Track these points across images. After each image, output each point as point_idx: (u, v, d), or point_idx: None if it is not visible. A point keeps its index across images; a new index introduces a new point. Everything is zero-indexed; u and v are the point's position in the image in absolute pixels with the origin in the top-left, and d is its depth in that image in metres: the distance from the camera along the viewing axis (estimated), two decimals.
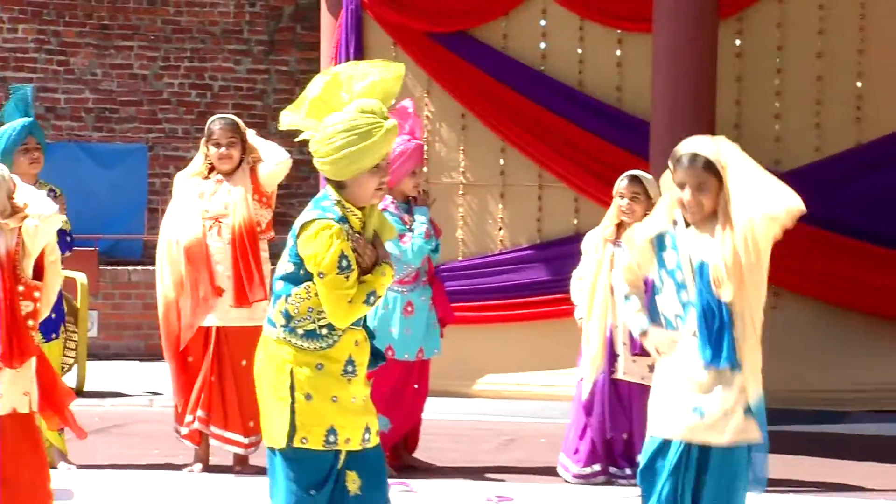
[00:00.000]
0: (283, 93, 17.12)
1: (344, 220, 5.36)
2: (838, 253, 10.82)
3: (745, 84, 11.21)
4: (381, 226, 5.54)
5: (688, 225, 5.44)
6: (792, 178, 10.71)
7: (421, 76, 11.67)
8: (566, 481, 8.43)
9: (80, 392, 11.92)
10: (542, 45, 11.57)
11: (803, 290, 10.95)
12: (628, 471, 8.31)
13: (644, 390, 8.07)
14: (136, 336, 14.85)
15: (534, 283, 11.11)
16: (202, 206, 8.54)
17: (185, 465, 8.61)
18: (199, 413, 8.48)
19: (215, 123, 8.66)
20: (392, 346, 8.34)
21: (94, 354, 13.28)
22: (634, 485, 8.08)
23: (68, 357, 10.65)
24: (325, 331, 5.40)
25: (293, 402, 5.34)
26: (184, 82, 17.14)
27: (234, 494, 7.92)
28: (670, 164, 5.48)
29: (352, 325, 5.42)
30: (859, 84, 11.12)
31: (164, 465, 8.80)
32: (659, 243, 5.51)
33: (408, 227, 8.53)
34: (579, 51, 11.50)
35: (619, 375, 8.38)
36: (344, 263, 5.29)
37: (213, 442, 8.56)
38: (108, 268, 14.82)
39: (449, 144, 11.68)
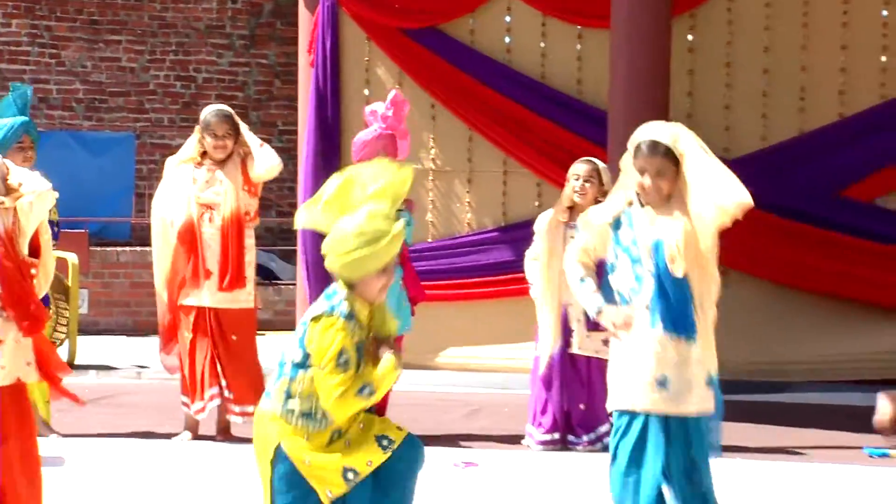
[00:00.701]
0: (262, 84, 17.13)
1: (352, 316, 5.34)
2: (783, 235, 10.87)
3: (696, 77, 11.26)
4: (384, 322, 5.52)
5: (643, 205, 5.46)
6: (740, 164, 10.83)
7: (393, 69, 11.69)
8: (530, 448, 8.45)
9: (71, 365, 11.89)
10: (507, 40, 11.58)
11: (750, 269, 11.00)
12: (585, 438, 8.34)
13: (600, 363, 8.14)
14: (125, 313, 14.83)
15: (498, 262, 11.13)
16: (195, 192, 8.50)
17: (171, 435, 8.60)
18: (213, 390, 8.46)
19: (211, 114, 8.60)
20: None
21: (85, 330, 13.24)
22: (592, 451, 8.17)
23: (60, 332, 10.66)
24: (320, 415, 5.36)
25: (278, 474, 5.35)
26: (169, 74, 17.12)
27: (218, 461, 7.91)
28: (630, 150, 5.46)
29: None
30: (803, 77, 11.17)
31: (152, 434, 8.78)
32: (615, 222, 5.50)
33: None
34: (542, 45, 11.53)
35: (575, 350, 8.36)
36: (342, 360, 5.26)
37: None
38: (98, 249, 14.77)
39: (419, 133, 11.66)
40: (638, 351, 5.42)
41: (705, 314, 5.41)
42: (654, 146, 5.37)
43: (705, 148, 5.42)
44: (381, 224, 5.35)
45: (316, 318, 5.33)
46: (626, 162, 5.50)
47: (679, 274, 5.32)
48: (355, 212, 5.37)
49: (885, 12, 11.09)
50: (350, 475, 5.37)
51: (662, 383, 5.36)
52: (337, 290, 5.41)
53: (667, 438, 5.38)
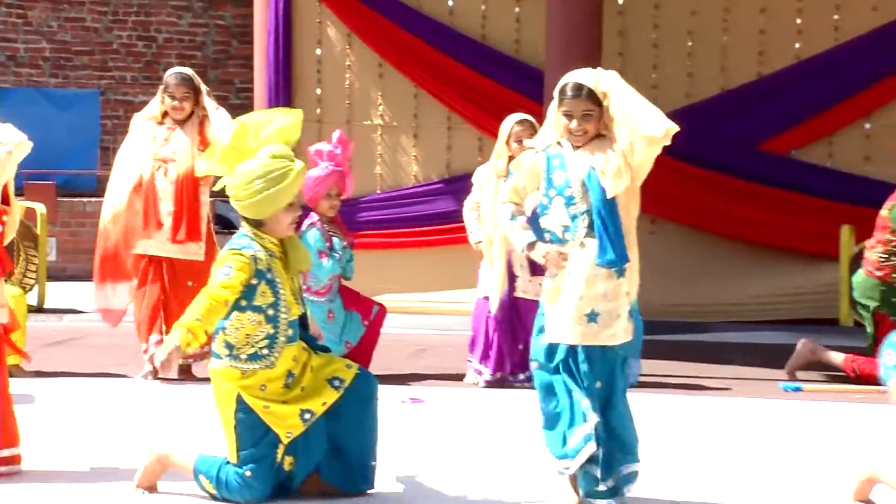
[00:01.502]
0: (220, 44, 17.01)
1: (261, 250, 5.40)
2: (706, 185, 10.95)
3: (626, 38, 11.30)
4: (297, 253, 5.57)
5: (575, 149, 5.45)
6: (680, 117, 10.88)
7: (343, 30, 11.66)
8: (476, 385, 8.48)
9: (40, 309, 11.85)
10: (450, 3, 11.60)
11: (676, 217, 11.08)
12: (522, 376, 8.35)
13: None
14: (91, 260, 14.67)
15: (443, 212, 11.14)
16: (153, 149, 8.47)
17: (135, 374, 8.59)
18: (155, 336, 8.44)
19: (172, 77, 8.53)
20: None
21: (53, 276, 13.18)
22: (529, 388, 8.19)
23: (30, 278, 10.61)
24: (265, 350, 5.41)
25: (240, 421, 5.39)
26: (131, 34, 16.97)
27: (178, 399, 7.91)
28: (556, 96, 5.41)
29: (288, 341, 5.44)
30: (725, 38, 11.22)
31: (117, 373, 8.76)
32: (547, 165, 5.45)
33: (328, 245, 8.48)
34: (482, 8, 11.54)
35: (519, 294, 8.37)
36: (226, 271, 5.33)
37: None
38: (65, 199, 14.67)
39: (368, 91, 11.67)
40: (568, 287, 5.38)
41: (633, 245, 5.40)
42: (579, 89, 5.32)
43: (626, 84, 5.37)
44: (284, 163, 5.39)
45: (220, 260, 5.42)
46: (552, 108, 5.47)
47: (612, 191, 5.27)
48: (254, 156, 5.39)
49: None
50: (307, 416, 5.44)
51: (591, 317, 5.35)
52: (243, 233, 5.46)
53: (591, 368, 5.36)
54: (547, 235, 5.47)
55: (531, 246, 5.48)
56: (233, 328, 5.41)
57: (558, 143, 5.43)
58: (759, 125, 11.03)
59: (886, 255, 8.50)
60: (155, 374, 8.52)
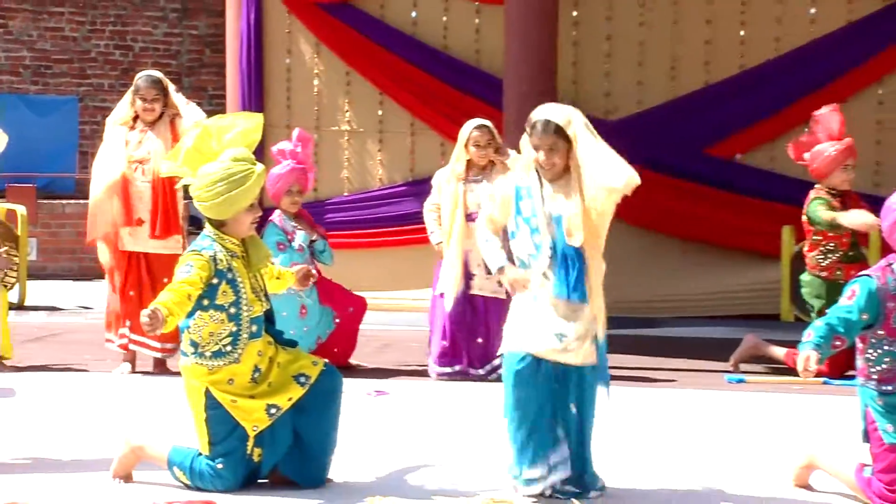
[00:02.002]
0: (194, 53, 16.96)
1: (220, 252, 5.40)
2: (656, 188, 10.92)
3: (580, 48, 11.31)
4: (258, 252, 5.57)
5: (542, 181, 5.48)
6: (619, 125, 10.99)
7: (311, 39, 11.65)
8: (433, 378, 8.52)
9: (21, 306, 11.82)
10: (413, 14, 11.57)
11: (628, 218, 10.97)
12: (482, 371, 8.40)
13: (496, 302, 8.23)
14: (70, 259, 14.71)
15: (407, 214, 11.13)
16: (128, 152, 8.47)
17: (112, 368, 8.59)
18: (126, 327, 8.47)
19: (142, 79, 8.55)
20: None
21: (34, 275, 13.15)
22: (487, 381, 8.24)
23: (11, 277, 10.55)
24: (229, 347, 5.42)
25: (210, 417, 5.41)
26: (109, 43, 16.90)
27: (153, 391, 7.91)
28: (527, 129, 5.46)
29: (252, 337, 5.45)
30: (673, 49, 11.25)
31: (95, 368, 8.75)
32: (517, 195, 5.51)
33: (289, 238, 8.52)
34: (444, 19, 11.54)
35: (475, 291, 8.39)
36: (187, 268, 5.33)
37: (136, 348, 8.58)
38: (45, 201, 14.61)
39: (335, 98, 11.67)
40: (537, 308, 5.44)
41: (596, 281, 5.45)
42: (547, 124, 5.40)
43: (593, 131, 5.42)
44: (245, 166, 5.39)
45: (181, 261, 5.42)
46: (525, 140, 5.53)
47: (577, 244, 5.35)
48: (217, 159, 5.40)
49: None
50: (273, 410, 5.45)
51: (558, 336, 5.40)
52: (206, 234, 5.46)
53: (558, 383, 5.42)
54: (516, 260, 5.55)
55: (500, 270, 5.57)
56: (196, 327, 5.41)
57: (532, 172, 5.49)
58: (706, 131, 11.07)
59: (823, 255, 8.58)
60: (132, 367, 8.54)
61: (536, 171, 5.48)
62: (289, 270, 5.95)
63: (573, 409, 5.46)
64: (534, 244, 5.46)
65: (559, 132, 5.39)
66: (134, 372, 8.54)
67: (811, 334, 5.27)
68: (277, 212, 8.62)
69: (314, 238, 8.64)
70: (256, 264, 5.56)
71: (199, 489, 5.44)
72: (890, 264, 5.39)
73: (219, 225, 5.48)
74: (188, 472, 5.47)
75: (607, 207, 5.36)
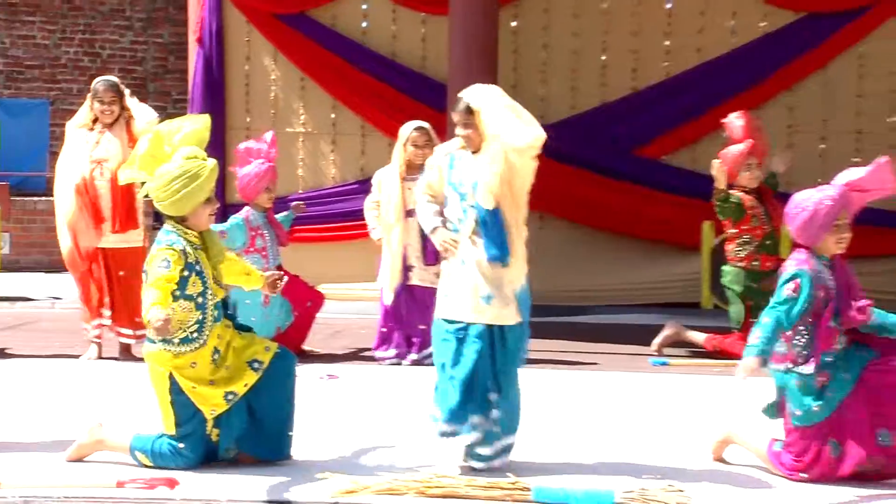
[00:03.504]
0: (158, 60, 16.85)
1: (183, 244, 5.38)
2: (588, 185, 11.03)
3: (519, 56, 11.35)
4: (216, 245, 5.57)
5: (471, 152, 5.51)
6: (554, 128, 10.76)
7: (269, 48, 11.61)
8: (381, 363, 8.53)
9: None
10: (364, 24, 11.55)
11: (562, 214, 11.15)
12: (416, 356, 8.41)
13: (434, 292, 8.22)
14: (41, 253, 14.57)
15: (358, 210, 10.90)
16: (88, 152, 8.44)
17: (80, 354, 8.55)
18: (104, 314, 8.47)
19: (100, 84, 8.53)
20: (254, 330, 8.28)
21: (7, 268, 12.98)
22: (430, 365, 8.24)
23: None
24: (195, 334, 5.42)
25: (174, 401, 5.41)
26: (78, 50, 16.77)
27: (120, 376, 7.88)
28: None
29: (214, 321, 5.45)
30: (604, 58, 11.31)
31: (65, 354, 8.71)
32: (450, 163, 5.55)
33: (258, 234, 8.51)
34: (393, 28, 11.53)
35: (415, 282, 8.40)
36: (164, 263, 5.30)
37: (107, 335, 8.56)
38: (18, 199, 14.47)
39: (291, 102, 11.63)
40: (465, 272, 5.46)
41: (518, 238, 5.47)
42: (458, 102, 5.48)
43: (503, 101, 5.41)
44: (198, 162, 5.40)
45: (150, 254, 5.41)
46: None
47: (488, 206, 5.36)
48: (170, 159, 5.39)
49: (668, 4, 11.26)
50: (230, 396, 5.45)
51: (486, 299, 5.41)
52: (168, 229, 5.44)
53: (488, 344, 5.43)
54: (449, 224, 5.56)
55: (433, 230, 5.59)
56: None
57: (462, 146, 5.53)
58: (634, 133, 11.12)
59: (740, 247, 8.67)
60: (99, 353, 8.51)
61: (463, 144, 5.52)
62: (259, 272, 5.92)
63: (496, 370, 5.45)
64: (462, 209, 5.48)
65: (468, 109, 5.43)
66: (101, 358, 8.51)
67: (758, 337, 5.30)
68: (246, 209, 8.54)
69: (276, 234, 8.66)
70: (215, 256, 5.55)
71: (161, 468, 5.43)
72: (809, 257, 5.44)
73: (179, 220, 5.46)
74: (150, 454, 5.47)
75: (520, 168, 5.35)
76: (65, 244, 8.53)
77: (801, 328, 5.39)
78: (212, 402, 5.42)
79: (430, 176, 5.69)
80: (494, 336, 5.45)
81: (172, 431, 5.45)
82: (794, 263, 5.44)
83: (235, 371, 5.48)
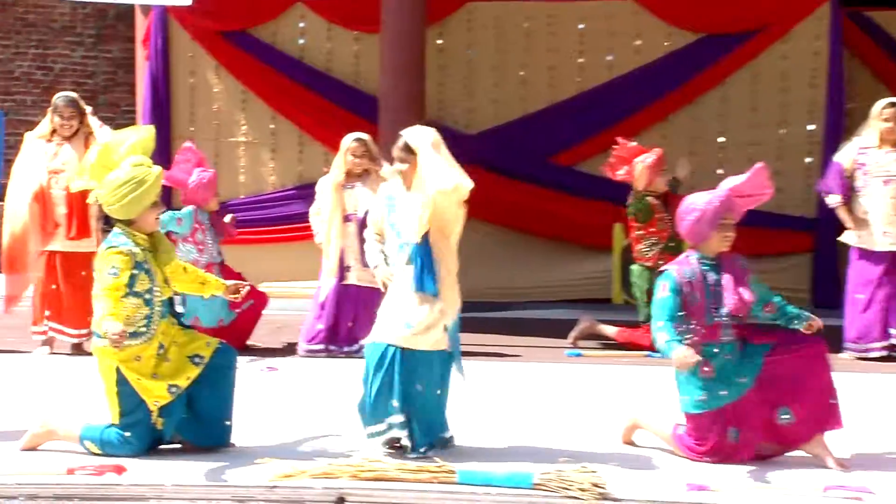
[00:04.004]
0: (108, 74, 16.58)
1: (131, 246, 5.33)
2: (510, 191, 11.05)
3: (445, 71, 11.36)
4: (164, 245, 5.53)
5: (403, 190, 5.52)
6: (478, 138, 11.05)
7: (211, 63, 11.53)
8: (301, 354, 8.45)
9: None
10: (301, 41, 11.51)
11: (486, 218, 11.09)
12: (347, 349, 8.37)
13: (369, 291, 8.24)
14: None
15: (296, 214, 11.05)
16: (45, 162, 8.33)
17: (33, 350, 8.42)
18: (48, 314, 8.36)
19: (60, 99, 8.42)
20: (199, 318, 8.19)
21: None
22: (355, 357, 8.21)
23: None
24: (143, 329, 5.37)
25: (120, 392, 5.35)
26: (31, 64, 16.45)
27: (70, 371, 7.77)
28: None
29: (161, 317, 5.41)
30: (522, 73, 11.35)
31: (16, 350, 8.56)
32: (389, 203, 5.55)
33: (199, 228, 8.47)
34: (328, 45, 11.49)
35: (351, 281, 8.38)
36: (112, 270, 5.25)
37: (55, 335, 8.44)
38: None
39: (233, 113, 11.57)
40: (398, 300, 5.48)
41: (448, 274, 5.47)
42: (399, 139, 5.48)
43: (442, 148, 5.42)
44: (144, 169, 5.38)
45: (99, 255, 5.36)
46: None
47: (415, 241, 5.37)
48: (118, 167, 5.38)
49: (581, 25, 11.30)
50: (174, 389, 5.42)
51: (407, 325, 5.42)
52: (117, 231, 5.40)
53: (407, 367, 5.43)
54: (388, 260, 5.60)
55: (375, 267, 5.67)
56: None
57: (399, 182, 5.54)
58: (550, 143, 11.14)
59: (647, 247, 8.73)
60: (51, 349, 8.39)
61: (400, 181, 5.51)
62: (217, 279, 5.87)
63: (419, 388, 5.46)
64: (398, 245, 5.51)
65: (407, 148, 5.42)
66: (53, 353, 8.39)
67: (666, 336, 5.33)
68: (193, 206, 8.55)
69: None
70: (163, 256, 5.51)
71: (109, 456, 5.36)
72: (688, 257, 5.55)
73: (128, 224, 5.41)
74: (98, 442, 5.41)
75: (447, 210, 5.36)
76: (6, 246, 8.39)
77: (686, 323, 5.42)
78: (155, 394, 5.37)
79: (375, 217, 5.73)
80: (417, 359, 5.44)
81: (118, 421, 5.38)
82: (670, 266, 5.52)
83: (178, 365, 5.44)
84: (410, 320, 5.42)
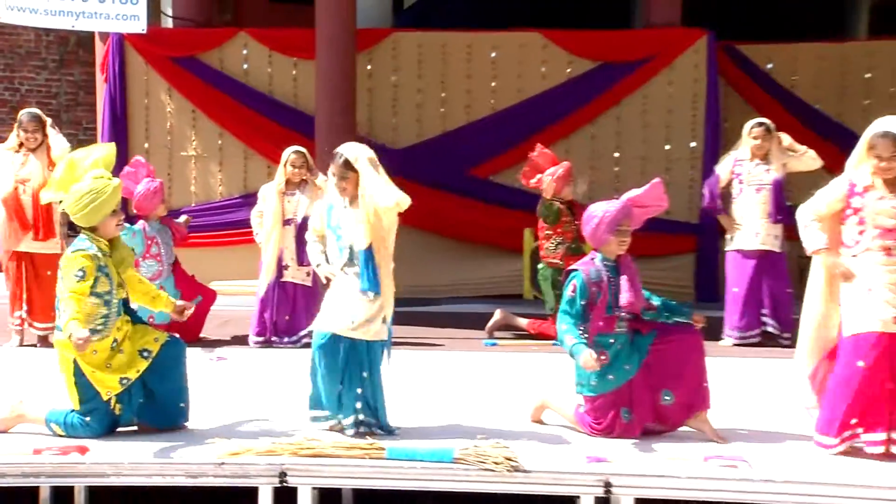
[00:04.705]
0: (70, 94, 16.37)
1: (94, 250, 5.28)
2: (433, 200, 11.04)
3: (373, 93, 11.32)
4: (122, 251, 5.46)
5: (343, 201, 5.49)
6: (403, 153, 11.05)
7: (164, 85, 11.40)
8: (260, 346, 8.42)
9: None
10: (245, 66, 11.42)
11: (415, 224, 10.89)
12: (287, 340, 8.33)
13: (304, 288, 8.22)
14: None
15: (241, 220, 10.90)
16: (14, 171, 8.22)
17: (2, 342, 8.26)
18: (24, 308, 8.26)
19: (24, 115, 8.36)
20: (154, 316, 8.10)
21: None
22: (292, 348, 8.19)
23: None
24: (101, 326, 5.30)
25: (77, 382, 5.29)
26: None
27: (38, 361, 7.62)
28: (333, 161, 5.50)
29: (116, 315, 5.34)
30: (443, 95, 11.36)
31: None
32: (328, 213, 5.54)
33: (153, 241, 8.35)
34: (269, 70, 11.42)
35: (288, 279, 8.34)
36: (80, 273, 5.20)
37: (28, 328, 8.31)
38: None
39: (184, 130, 11.45)
40: (341, 297, 5.46)
41: (386, 278, 5.46)
42: (339, 158, 5.44)
43: (376, 165, 5.42)
44: (104, 181, 5.34)
45: (67, 257, 5.29)
46: (331, 169, 5.54)
47: (363, 247, 5.38)
48: (81, 180, 5.33)
49: (493, 54, 11.33)
50: (124, 381, 5.37)
51: (353, 318, 5.42)
52: (83, 237, 5.36)
53: (352, 354, 5.44)
54: (329, 259, 5.58)
55: (318, 266, 5.64)
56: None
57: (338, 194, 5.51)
58: (468, 158, 11.17)
59: (553, 247, 8.79)
60: (21, 342, 8.27)
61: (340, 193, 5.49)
62: (167, 296, 5.79)
63: (364, 374, 5.47)
64: (338, 248, 5.48)
65: (347, 165, 5.41)
66: (22, 345, 8.25)
67: (571, 338, 5.36)
68: (141, 222, 8.39)
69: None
70: (120, 262, 5.46)
71: (71, 437, 5.29)
72: (593, 259, 5.59)
73: (91, 230, 5.35)
74: (63, 425, 5.33)
75: (386, 221, 5.38)
76: None
77: (589, 317, 5.48)
78: (107, 385, 5.34)
79: (315, 222, 5.72)
80: (360, 348, 5.45)
81: (78, 407, 5.32)
82: (577, 267, 5.56)
83: (130, 358, 5.40)
84: (355, 316, 5.42)
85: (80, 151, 5.53)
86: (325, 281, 5.65)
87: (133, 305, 5.63)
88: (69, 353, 5.30)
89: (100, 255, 5.29)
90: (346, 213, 5.46)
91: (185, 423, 5.55)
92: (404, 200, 5.33)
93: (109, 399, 5.33)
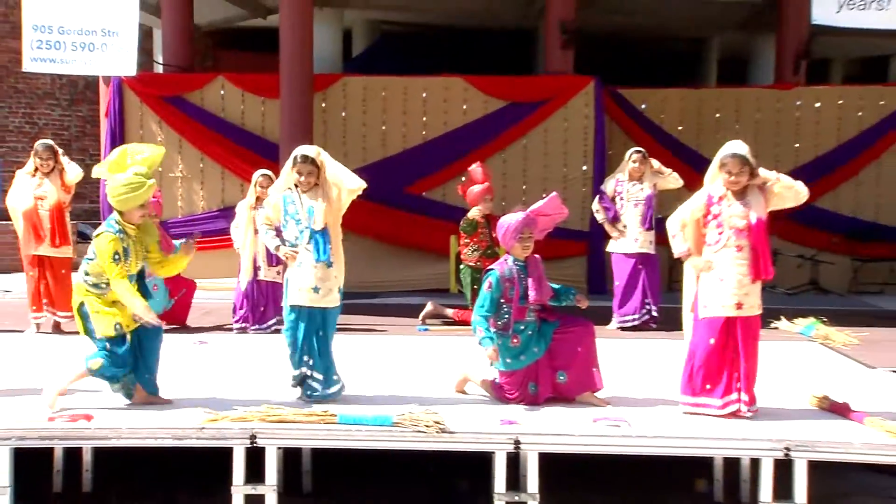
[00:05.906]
0: (80, 128, 16.15)
1: (121, 231, 5.14)
2: (376, 213, 10.98)
3: (327, 124, 11.25)
4: (148, 231, 5.30)
5: (302, 193, 5.41)
6: (360, 172, 10.88)
7: (156, 119, 11.24)
8: (240, 331, 8.28)
9: None
10: (222, 104, 11.28)
11: (359, 231, 11.04)
12: (258, 327, 8.20)
13: (275, 284, 8.10)
14: None
15: (220, 229, 10.82)
16: (32, 191, 8.11)
17: (26, 330, 8.05)
18: (45, 301, 8.12)
19: (39, 145, 8.23)
20: (150, 307, 7.89)
21: None
22: (264, 333, 8.07)
23: None
24: (104, 286, 5.17)
25: (86, 327, 5.16)
26: (22, 121, 15.91)
27: (55, 345, 7.41)
28: (290, 160, 5.40)
29: (130, 282, 5.17)
30: (384, 128, 11.25)
31: (14, 329, 8.14)
32: (284, 202, 5.43)
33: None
34: (241, 107, 11.28)
35: (262, 277, 8.24)
36: (115, 257, 5.07)
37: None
38: None
39: (172, 155, 11.27)
40: (303, 272, 5.38)
41: (338, 251, 5.41)
42: (299, 157, 5.36)
43: (329, 158, 5.41)
44: (140, 179, 5.16)
45: (98, 234, 5.16)
46: (287, 167, 5.43)
47: (320, 227, 5.31)
48: (125, 171, 5.15)
49: (424, 94, 11.27)
50: (118, 326, 5.17)
51: (316, 290, 5.35)
52: (113, 217, 5.21)
53: (317, 322, 5.37)
54: (287, 241, 5.45)
55: (277, 248, 5.51)
56: (91, 267, 5.19)
57: (290, 188, 5.39)
58: (405, 177, 11.13)
59: (471, 252, 8.77)
60: (38, 330, 8.10)
61: (295, 185, 5.39)
62: (174, 255, 5.57)
63: (326, 336, 5.43)
64: (298, 230, 5.38)
65: (312, 161, 5.34)
66: (39, 332, 8.05)
67: (482, 331, 5.35)
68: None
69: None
70: (143, 241, 5.28)
71: (105, 378, 5.24)
72: (506, 260, 5.57)
73: (120, 213, 5.20)
74: (95, 358, 5.22)
75: (344, 202, 5.36)
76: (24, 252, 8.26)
77: (503, 308, 5.46)
78: (105, 326, 5.19)
79: (269, 212, 5.62)
80: (319, 315, 5.39)
81: (111, 332, 5.16)
82: (493, 267, 5.56)
83: (124, 310, 5.24)
84: (318, 286, 5.36)
85: (137, 145, 5.31)
86: (285, 260, 5.49)
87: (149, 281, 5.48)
88: (79, 295, 5.22)
89: (123, 235, 5.15)
90: (304, 200, 5.38)
91: (156, 391, 5.40)
92: (363, 183, 5.35)
93: (120, 329, 5.19)
